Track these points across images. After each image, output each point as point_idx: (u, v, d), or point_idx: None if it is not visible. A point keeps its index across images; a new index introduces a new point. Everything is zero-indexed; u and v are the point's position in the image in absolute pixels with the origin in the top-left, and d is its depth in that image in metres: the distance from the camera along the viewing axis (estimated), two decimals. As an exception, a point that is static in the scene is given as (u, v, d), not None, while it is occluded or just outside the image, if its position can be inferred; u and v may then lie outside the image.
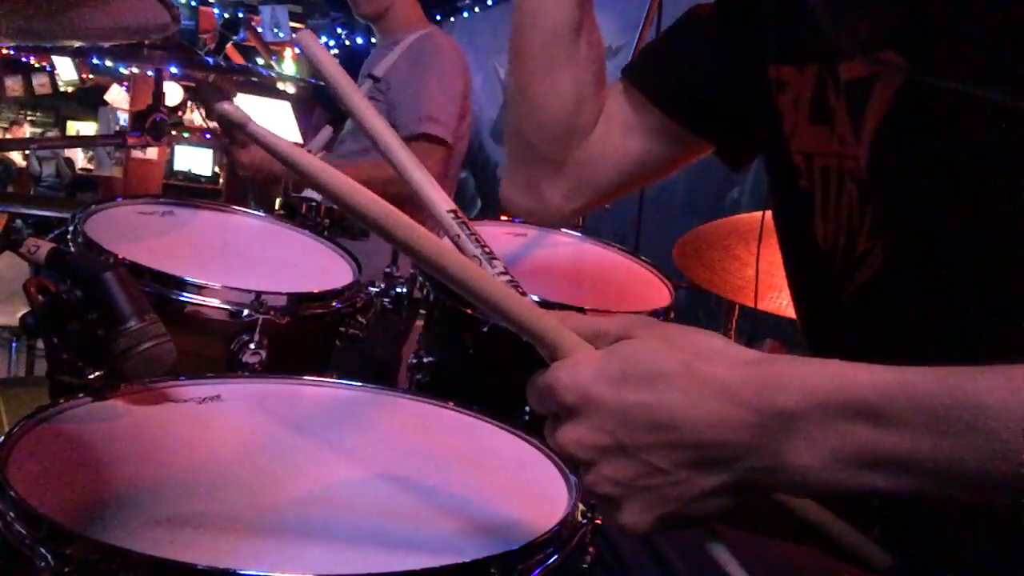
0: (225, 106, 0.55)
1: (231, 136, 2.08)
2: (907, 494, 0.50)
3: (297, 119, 6.12)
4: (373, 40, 2.63)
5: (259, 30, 7.05)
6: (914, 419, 0.48)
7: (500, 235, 1.51)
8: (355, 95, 0.74)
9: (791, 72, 0.79)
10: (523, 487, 0.80)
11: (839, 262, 0.75)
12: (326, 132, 2.21)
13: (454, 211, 0.73)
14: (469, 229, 0.72)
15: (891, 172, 0.68)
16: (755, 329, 2.68)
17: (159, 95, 1.41)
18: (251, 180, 2.04)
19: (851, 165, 0.72)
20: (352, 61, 8.36)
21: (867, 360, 0.52)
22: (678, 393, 0.52)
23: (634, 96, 0.97)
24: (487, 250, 0.71)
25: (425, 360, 1.29)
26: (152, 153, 8.12)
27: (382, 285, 1.34)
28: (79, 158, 8.94)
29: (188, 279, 1.10)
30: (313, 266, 1.37)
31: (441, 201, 0.74)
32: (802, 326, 0.87)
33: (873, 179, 0.69)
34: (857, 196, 0.72)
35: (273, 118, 5.74)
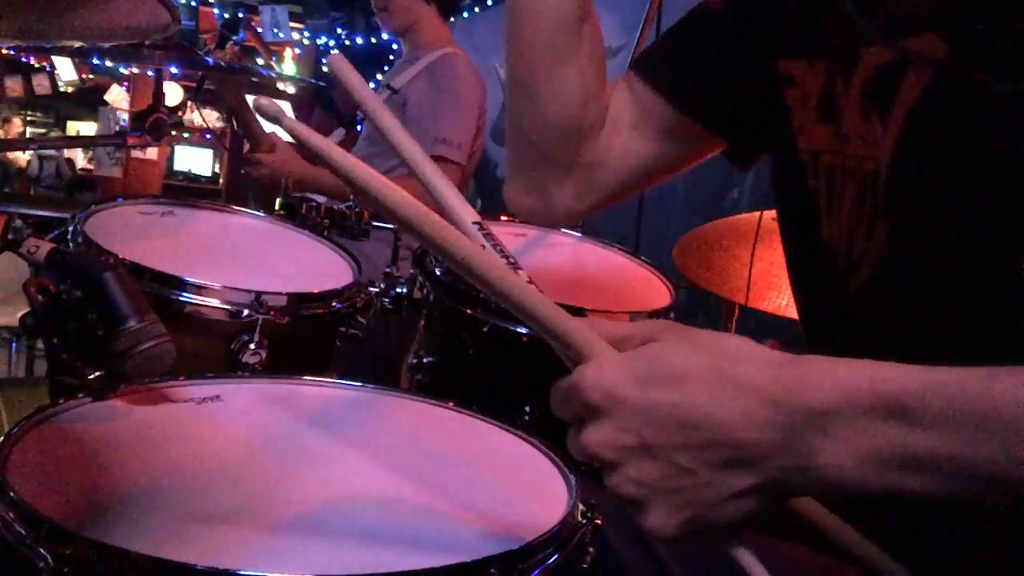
0: (262, 100, 0.56)
1: (256, 146, 2.08)
2: (941, 497, 0.49)
3: (297, 119, 6.11)
4: (373, 40, 2.63)
5: (259, 30, 7.05)
6: (949, 419, 0.48)
7: (500, 235, 1.50)
8: (383, 113, 0.75)
9: (801, 67, 0.77)
10: (523, 487, 0.80)
11: (844, 259, 0.74)
12: (338, 134, 2.22)
13: (479, 222, 0.73)
14: (494, 240, 0.72)
15: (916, 164, 0.66)
16: (755, 329, 2.68)
17: (159, 95, 1.41)
18: (255, 181, 2.05)
19: (856, 164, 0.71)
20: (352, 61, 8.34)
21: (871, 356, 0.51)
22: (706, 392, 0.51)
23: (643, 92, 0.95)
24: (511, 260, 0.71)
25: (425, 360, 1.29)
26: (152, 153, 8.12)
27: (382, 285, 1.34)
28: (79, 158, 8.94)
29: (188, 279, 1.10)
30: (313, 266, 1.37)
31: (466, 213, 0.74)
32: (803, 322, 0.86)
33: (895, 172, 0.67)
34: (866, 193, 0.71)
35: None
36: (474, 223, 0.73)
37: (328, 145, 0.54)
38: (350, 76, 0.73)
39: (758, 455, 0.51)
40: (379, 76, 3.40)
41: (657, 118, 0.94)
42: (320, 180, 2.10)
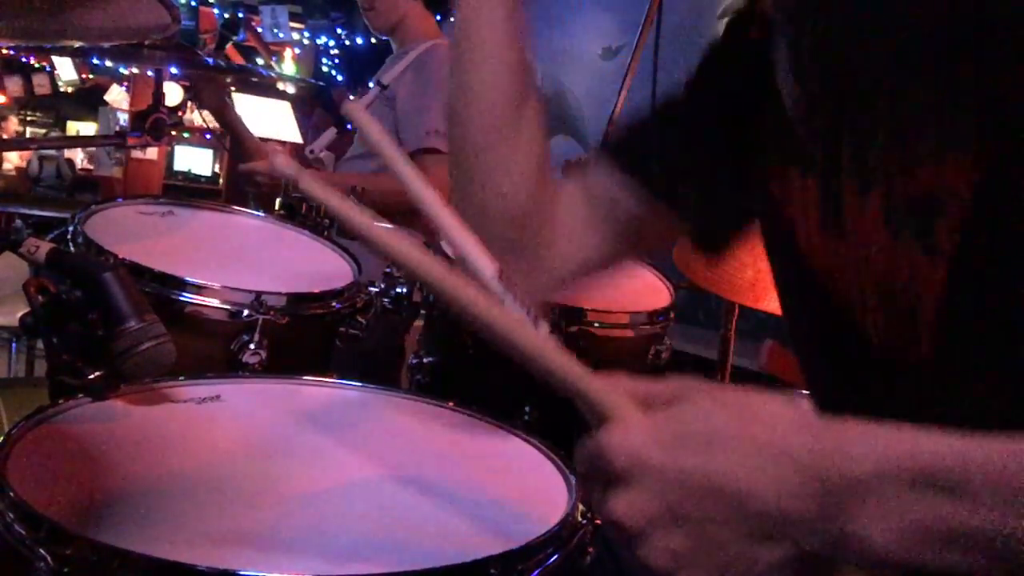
0: (279, 162, 0.59)
1: (244, 150, 2.09)
2: (988, 573, 0.47)
3: (297, 119, 6.12)
4: (373, 40, 2.64)
5: (259, 30, 7.05)
6: (994, 493, 0.46)
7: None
8: (398, 159, 0.75)
9: (795, 175, 0.71)
10: (523, 487, 0.80)
11: (881, 351, 0.67)
12: (330, 133, 2.22)
13: (498, 274, 0.71)
14: (514, 292, 0.70)
15: (976, 284, 0.60)
16: (755, 329, 2.68)
17: (159, 95, 1.41)
18: (255, 183, 2.05)
19: (887, 283, 0.64)
20: (352, 61, 8.37)
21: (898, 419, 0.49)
22: (737, 459, 0.49)
23: (606, 176, 0.86)
24: (532, 313, 0.69)
25: (425, 360, 1.30)
26: (152, 153, 8.11)
27: (382, 285, 1.34)
28: (79, 158, 8.93)
29: (188, 279, 1.10)
30: (313, 266, 1.37)
31: (487, 265, 0.72)
32: (809, 383, 0.79)
33: (952, 297, 0.61)
34: (900, 303, 0.64)
35: (273, 118, 5.74)
36: (493, 276, 0.71)
37: (345, 205, 0.55)
38: (363, 121, 0.75)
39: (793, 527, 0.49)
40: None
41: (621, 205, 0.85)
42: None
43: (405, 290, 1.34)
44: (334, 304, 1.23)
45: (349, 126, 2.36)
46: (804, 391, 0.80)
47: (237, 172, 2.06)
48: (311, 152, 2.20)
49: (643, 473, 0.50)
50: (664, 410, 0.53)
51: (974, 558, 0.46)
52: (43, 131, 9.71)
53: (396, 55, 2.42)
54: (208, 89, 2.02)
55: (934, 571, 0.48)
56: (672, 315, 1.34)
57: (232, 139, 2.21)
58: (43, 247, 0.86)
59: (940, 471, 0.47)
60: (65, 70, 8.57)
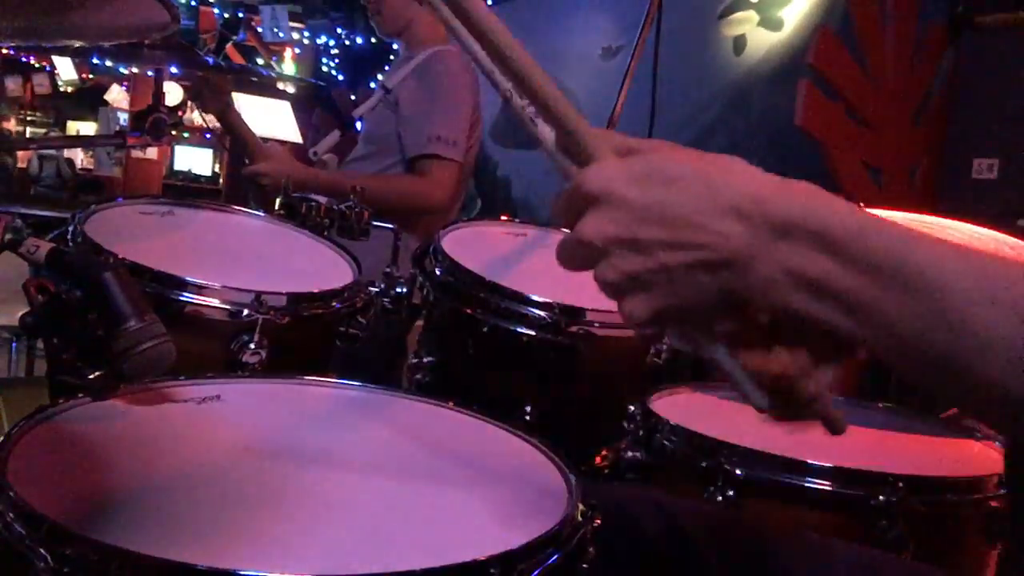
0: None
1: (247, 152, 2.08)
2: (855, 337, 0.53)
3: (297, 119, 6.12)
4: (373, 40, 2.64)
5: (259, 30, 7.05)
6: (871, 265, 0.51)
7: (500, 235, 1.51)
8: None
9: None
10: (523, 487, 0.80)
11: None
12: (334, 136, 2.22)
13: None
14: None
15: None
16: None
17: (159, 95, 1.41)
18: (258, 185, 2.04)
19: None
20: (352, 61, 8.37)
21: None
22: (690, 195, 0.55)
23: None
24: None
25: (425, 360, 1.29)
26: (152, 153, 8.12)
27: (382, 285, 1.34)
28: (79, 158, 8.94)
29: (188, 279, 1.10)
30: (313, 266, 1.37)
31: None
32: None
33: None
34: None
35: (273, 118, 5.75)
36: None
37: None
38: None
39: (721, 258, 0.55)
40: (380, 76, 3.39)
41: None
42: (320, 181, 2.10)
43: (405, 290, 1.35)
44: (334, 304, 1.23)
45: (354, 128, 2.36)
46: None
47: (240, 174, 2.05)
48: (314, 154, 2.20)
49: (612, 201, 0.57)
50: (642, 153, 0.60)
51: (847, 320, 0.53)
52: (43, 131, 9.71)
53: (402, 59, 2.42)
54: (210, 92, 2.02)
55: (803, 321, 0.54)
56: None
57: (234, 141, 2.20)
58: (43, 247, 0.86)
59: (835, 233, 0.52)
60: (65, 70, 8.58)
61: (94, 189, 8.26)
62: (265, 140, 2.32)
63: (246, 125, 2.15)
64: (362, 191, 1.54)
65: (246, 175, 2.04)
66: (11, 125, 9.14)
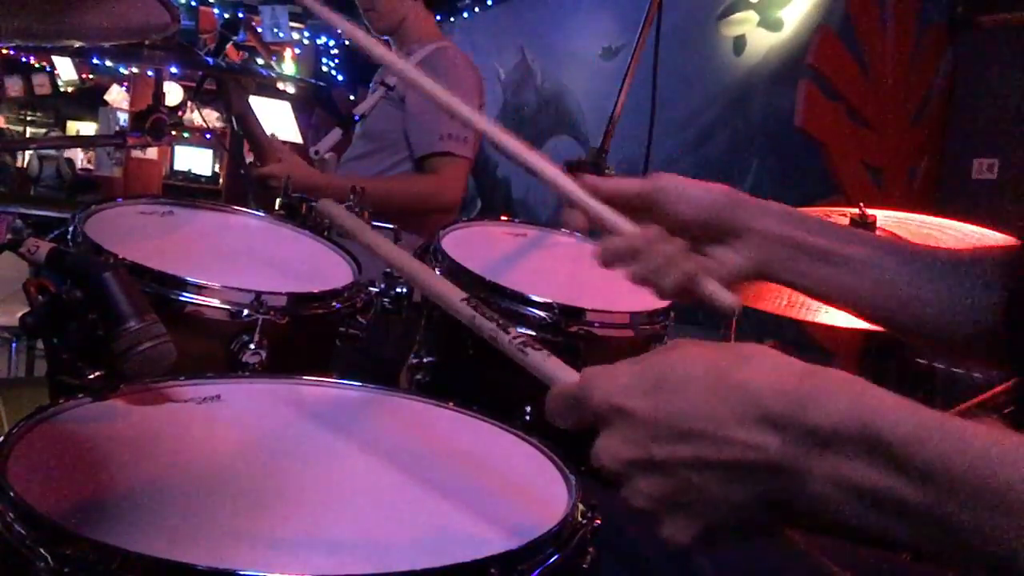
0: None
1: (260, 153, 2.08)
2: (910, 545, 0.49)
3: (297, 119, 6.13)
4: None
5: (259, 30, 7.06)
6: (931, 477, 0.45)
7: (500, 235, 1.51)
8: (381, 244, 0.81)
9: None
10: (523, 487, 0.80)
11: None
12: (335, 134, 2.21)
13: (466, 299, 0.73)
14: (482, 309, 0.73)
15: None
16: (755, 329, 2.68)
17: (159, 95, 1.41)
18: (256, 182, 2.04)
19: None
20: (352, 61, 8.36)
21: None
22: (710, 405, 0.50)
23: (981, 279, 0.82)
24: (500, 322, 0.71)
25: (425, 360, 1.29)
26: (152, 153, 8.12)
27: (382, 285, 1.34)
28: (79, 158, 8.94)
29: (188, 279, 1.10)
30: (313, 266, 1.37)
31: (453, 293, 0.75)
32: None
33: None
34: None
35: (273, 118, 5.75)
36: (461, 300, 0.74)
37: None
38: (341, 217, 0.83)
39: (756, 468, 0.50)
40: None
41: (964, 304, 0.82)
42: (334, 186, 2.09)
43: (405, 290, 1.34)
44: (334, 304, 1.23)
45: (353, 127, 2.36)
46: None
47: (253, 175, 2.03)
48: (315, 153, 2.20)
49: (618, 416, 0.52)
50: (649, 355, 0.54)
51: (922, 535, 0.47)
52: (43, 131, 9.71)
53: (398, 55, 2.42)
54: (236, 92, 2.01)
55: (855, 531, 0.48)
56: (672, 315, 1.34)
57: (251, 142, 2.19)
58: (43, 247, 0.86)
59: (882, 440, 0.46)
60: (65, 70, 8.58)
61: (94, 189, 8.26)
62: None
63: (261, 127, 2.15)
64: (362, 191, 1.54)
65: (258, 177, 2.03)
66: (11, 125, 9.14)
